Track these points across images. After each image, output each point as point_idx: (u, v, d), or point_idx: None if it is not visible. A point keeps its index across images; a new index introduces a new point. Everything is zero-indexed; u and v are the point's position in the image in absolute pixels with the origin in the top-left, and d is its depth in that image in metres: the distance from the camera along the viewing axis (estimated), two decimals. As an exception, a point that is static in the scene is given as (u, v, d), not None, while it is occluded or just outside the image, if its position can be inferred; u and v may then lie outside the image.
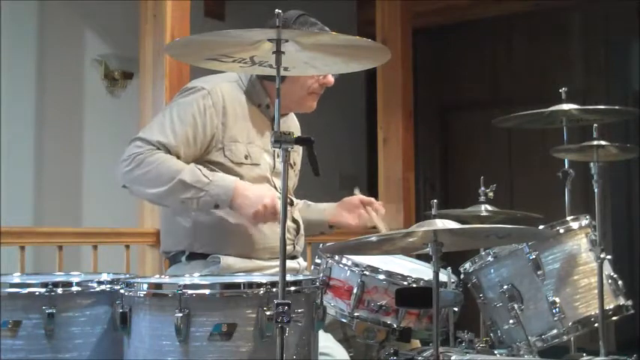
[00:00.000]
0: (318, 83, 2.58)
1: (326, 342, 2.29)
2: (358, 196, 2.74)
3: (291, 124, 2.79)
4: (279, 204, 2.32)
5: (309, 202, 2.85)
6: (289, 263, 2.53)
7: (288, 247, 2.58)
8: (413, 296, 2.26)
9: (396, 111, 4.79)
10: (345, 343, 2.47)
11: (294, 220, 2.63)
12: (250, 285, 1.87)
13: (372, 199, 2.74)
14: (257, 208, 2.35)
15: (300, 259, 2.66)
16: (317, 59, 1.99)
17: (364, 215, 2.71)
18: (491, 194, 3.02)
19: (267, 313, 1.79)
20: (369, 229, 2.68)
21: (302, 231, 2.66)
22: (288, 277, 1.90)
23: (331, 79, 2.59)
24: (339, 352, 2.32)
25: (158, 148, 2.40)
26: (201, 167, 2.42)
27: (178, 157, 2.42)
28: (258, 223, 2.41)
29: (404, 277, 2.39)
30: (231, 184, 2.39)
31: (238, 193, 2.38)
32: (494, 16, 6.13)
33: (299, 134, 2.59)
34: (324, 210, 2.81)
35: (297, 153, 2.77)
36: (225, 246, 2.48)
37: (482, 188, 3.02)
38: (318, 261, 2.52)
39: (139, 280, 2.01)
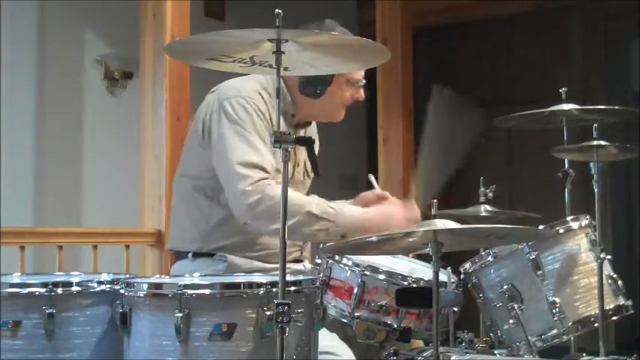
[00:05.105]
0: (352, 99, 2.64)
1: (331, 341, 2.29)
2: (374, 192, 2.69)
3: (313, 131, 2.80)
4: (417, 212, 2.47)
5: None
6: (295, 266, 2.56)
7: (296, 253, 2.62)
8: (413, 296, 2.26)
9: (396, 111, 4.79)
10: (346, 343, 2.47)
11: None
12: (250, 285, 1.87)
13: (387, 194, 2.70)
14: (407, 226, 2.37)
15: (306, 262, 2.68)
16: (317, 59, 1.98)
17: None
18: (491, 194, 3.02)
19: (267, 313, 1.79)
20: None
21: None
22: (288, 277, 1.89)
23: (363, 94, 2.68)
24: (345, 352, 2.32)
25: (267, 172, 2.37)
26: (320, 198, 2.43)
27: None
28: None
29: (404, 277, 2.39)
30: (357, 215, 2.44)
31: (365, 220, 2.43)
32: (494, 16, 6.12)
33: (317, 140, 2.63)
34: None
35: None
36: (234, 250, 2.49)
37: (482, 188, 3.02)
38: (318, 261, 2.52)
39: (139, 280, 2.01)
